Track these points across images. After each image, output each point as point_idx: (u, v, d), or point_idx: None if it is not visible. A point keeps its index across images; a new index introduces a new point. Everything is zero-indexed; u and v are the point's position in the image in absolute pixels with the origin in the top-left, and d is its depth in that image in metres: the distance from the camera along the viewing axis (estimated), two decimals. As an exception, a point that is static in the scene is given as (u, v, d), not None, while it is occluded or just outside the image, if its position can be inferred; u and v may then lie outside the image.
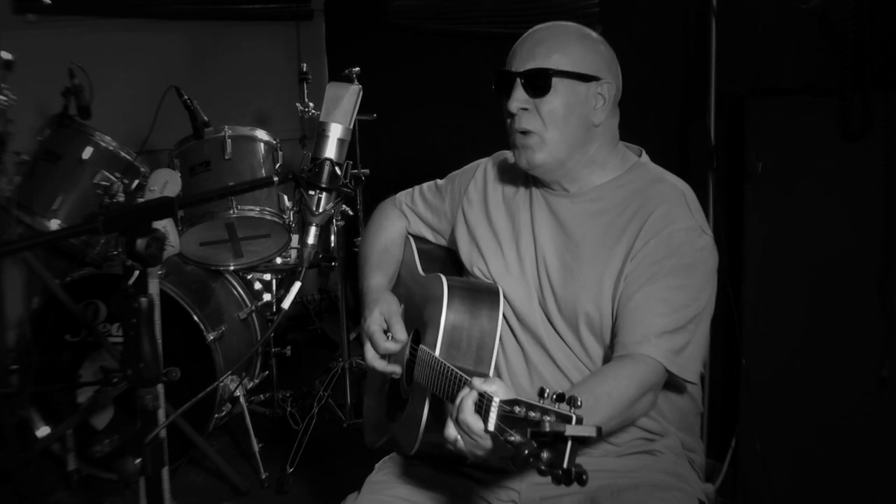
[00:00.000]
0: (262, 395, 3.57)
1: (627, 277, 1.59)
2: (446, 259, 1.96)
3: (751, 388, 2.62)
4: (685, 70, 2.93)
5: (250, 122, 3.44)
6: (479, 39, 3.95)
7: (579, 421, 1.09)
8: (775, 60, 2.53)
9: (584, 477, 1.07)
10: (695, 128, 2.80)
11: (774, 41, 2.54)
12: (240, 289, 3.40)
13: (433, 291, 1.69)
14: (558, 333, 1.67)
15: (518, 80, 1.63)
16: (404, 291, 1.92)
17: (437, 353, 1.59)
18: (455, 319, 1.63)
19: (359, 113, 1.58)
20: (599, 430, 1.09)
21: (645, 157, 1.75)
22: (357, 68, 2.99)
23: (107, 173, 3.07)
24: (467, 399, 1.28)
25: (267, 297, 3.52)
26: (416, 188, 2.02)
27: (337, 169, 1.53)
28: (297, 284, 1.51)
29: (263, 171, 3.20)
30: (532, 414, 1.14)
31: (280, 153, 3.23)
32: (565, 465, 1.07)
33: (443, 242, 1.97)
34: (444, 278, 1.68)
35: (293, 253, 3.33)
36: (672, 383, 1.62)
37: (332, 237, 3.47)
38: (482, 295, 1.69)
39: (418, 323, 1.77)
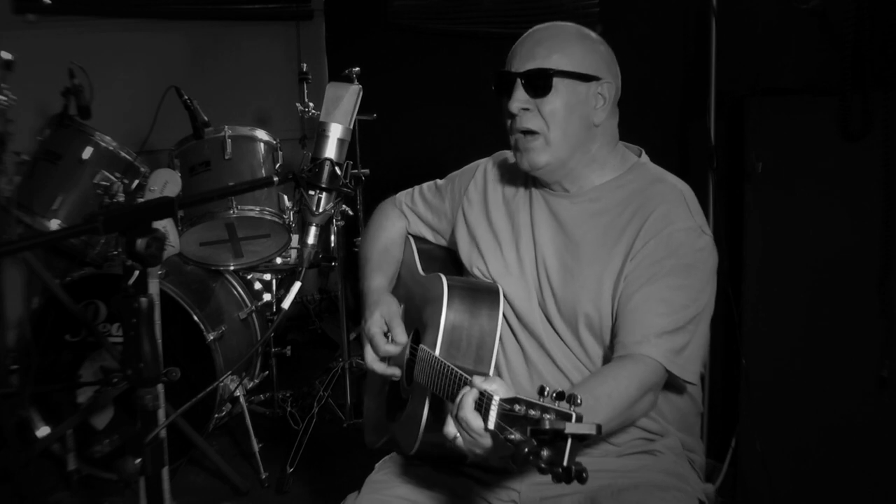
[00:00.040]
0: (262, 395, 3.57)
1: (627, 278, 1.59)
2: (446, 259, 1.96)
3: (751, 388, 2.62)
4: (685, 70, 2.93)
5: (250, 122, 3.44)
6: (479, 39, 3.95)
7: (579, 419, 1.10)
8: (775, 60, 2.53)
9: (584, 475, 1.07)
10: (695, 128, 2.80)
11: (774, 41, 2.54)
12: (240, 289, 3.40)
13: (433, 291, 1.69)
14: (557, 334, 1.67)
15: (518, 80, 1.63)
16: (404, 291, 1.92)
17: (437, 352, 1.59)
18: (455, 319, 1.63)
19: (359, 113, 1.58)
20: (599, 427, 1.09)
21: (645, 158, 1.75)
22: (357, 68, 2.99)
23: (107, 173, 3.07)
24: (467, 397, 1.28)
25: (267, 297, 3.52)
26: (416, 188, 2.02)
27: (337, 169, 1.53)
28: (297, 284, 1.51)
29: (263, 171, 3.20)
30: (532, 412, 1.14)
31: (280, 153, 3.23)
32: (565, 463, 1.07)
33: (442, 243, 1.97)
34: (444, 278, 1.68)
35: (293, 253, 3.33)
36: (672, 383, 1.62)
37: (332, 237, 3.47)
38: (482, 294, 1.69)
39: (418, 323, 1.77)
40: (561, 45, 1.63)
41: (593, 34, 1.70)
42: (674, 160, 2.86)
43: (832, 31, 2.36)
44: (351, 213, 3.58)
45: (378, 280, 1.90)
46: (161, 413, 1.40)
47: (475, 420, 1.26)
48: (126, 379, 1.34)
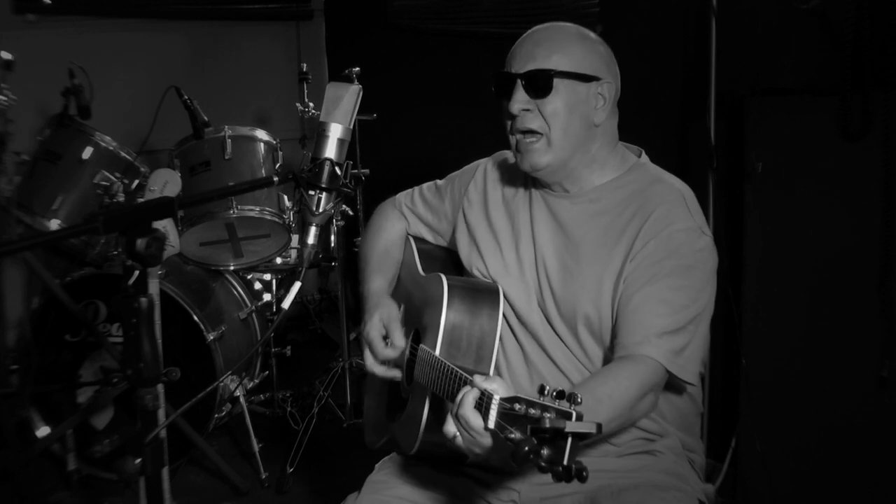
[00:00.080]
0: (262, 395, 3.57)
1: (627, 279, 1.59)
2: (446, 259, 1.96)
3: (751, 388, 2.62)
4: (685, 70, 2.93)
5: (250, 122, 3.44)
6: (479, 39, 3.95)
7: (579, 417, 1.10)
8: (775, 60, 2.53)
9: (584, 473, 1.07)
10: (695, 128, 2.80)
11: (774, 41, 2.54)
12: (240, 289, 3.40)
13: (433, 291, 1.70)
14: (557, 334, 1.67)
15: (519, 81, 1.63)
16: (404, 292, 1.92)
17: (437, 352, 1.59)
18: (455, 319, 1.63)
19: (359, 113, 1.58)
20: (599, 426, 1.09)
21: (644, 158, 1.75)
22: (357, 68, 2.99)
23: (107, 173, 3.07)
24: (468, 395, 1.28)
25: (267, 297, 3.52)
26: (416, 189, 2.02)
27: (337, 169, 1.53)
28: (297, 284, 1.51)
29: (263, 171, 3.20)
30: (532, 411, 1.14)
31: (280, 153, 3.23)
32: (565, 462, 1.07)
33: (442, 243, 1.97)
34: (444, 278, 1.68)
35: (293, 253, 3.33)
36: (672, 384, 1.62)
37: (332, 237, 3.47)
38: (482, 294, 1.69)
39: (419, 323, 1.77)
40: (561, 46, 1.63)
41: (593, 34, 1.70)
42: (674, 160, 2.87)
43: (832, 31, 2.36)
44: (351, 213, 3.58)
45: (378, 283, 1.90)
46: (161, 413, 1.40)
47: (475, 419, 1.26)
48: (126, 379, 1.34)
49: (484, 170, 1.88)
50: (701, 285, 1.59)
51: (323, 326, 4.53)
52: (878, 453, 2.40)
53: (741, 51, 2.63)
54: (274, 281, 3.56)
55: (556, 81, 1.61)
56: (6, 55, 2.71)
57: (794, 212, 2.53)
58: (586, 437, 1.08)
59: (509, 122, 1.67)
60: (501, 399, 1.20)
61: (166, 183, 2.15)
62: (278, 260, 3.36)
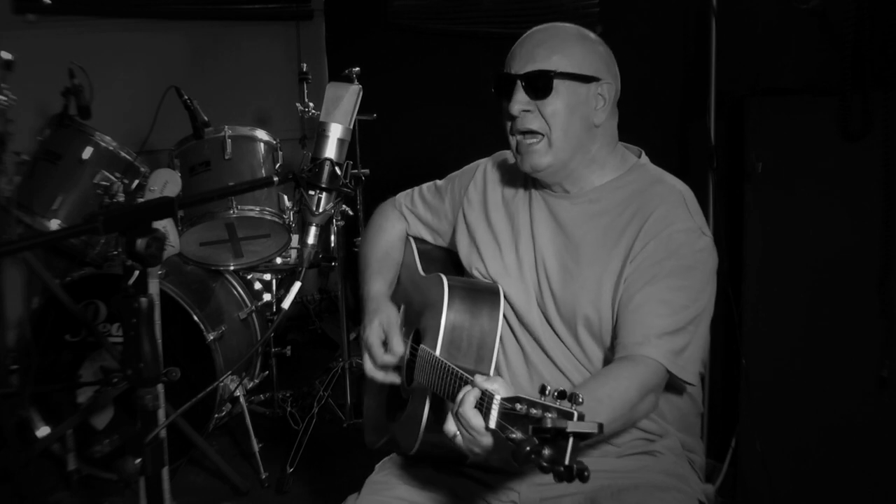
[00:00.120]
0: (262, 395, 3.57)
1: (627, 279, 1.59)
2: (446, 259, 1.96)
3: (751, 388, 2.62)
4: (685, 70, 2.93)
5: (250, 122, 3.44)
6: (479, 39, 3.95)
7: (581, 417, 1.10)
8: (775, 60, 2.53)
9: (585, 473, 1.07)
10: (695, 128, 2.80)
11: (774, 41, 2.54)
12: (240, 289, 3.40)
13: (434, 291, 1.69)
14: (557, 335, 1.67)
15: (519, 82, 1.63)
16: (404, 292, 1.92)
17: (437, 352, 1.59)
18: (456, 319, 1.63)
19: (359, 113, 1.58)
20: (601, 426, 1.09)
21: (644, 158, 1.75)
22: (357, 68, 2.99)
23: (107, 173, 3.07)
24: (469, 395, 1.28)
25: (267, 297, 3.53)
26: (416, 189, 2.02)
27: (337, 169, 1.53)
28: (297, 284, 1.51)
29: (263, 171, 3.20)
30: (533, 411, 1.14)
31: (280, 153, 3.23)
32: (567, 462, 1.07)
33: (442, 244, 1.97)
34: (444, 278, 1.68)
35: (293, 253, 3.33)
36: (672, 384, 1.62)
37: (332, 237, 3.47)
38: (483, 295, 1.69)
39: (419, 323, 1.77)
40: (561, 47, 1.63)
41: (592, 35, 1.70)
42: (674, 160, 2.87)
43: (832, 31, 2.36)
44: (351, 213, 3.58)
45: (378, 286, 1.90)
46: (161, 413, 1.40)
47: (475, 418, 1.26)
48: (126, 379, 1.34)
49: (484, 170, 1.88)
50: (701, 286, 1.59)
51: (323, 326, 4.53)
52: (878, 453, 2.40)
53: (741, 51, 2.63)
54: (274, 281, 3.56)
55: (557, 82, 1.61)
56: (6, 55, 2.71)
57: (794, 212, 2.53)
58: (588, 437, 1.08)
59: (509, 123, 1.67)
60: (502, 399, 1.20)
61: (166, 183, 2.15)
62: (278, 260, 3.36)
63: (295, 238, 3.20)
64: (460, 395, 1.31)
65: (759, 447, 2.59)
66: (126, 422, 2.97)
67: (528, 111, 1.63)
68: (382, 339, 1.77)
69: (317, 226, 1.54)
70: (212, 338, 2.97)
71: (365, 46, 4.41)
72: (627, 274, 1.59)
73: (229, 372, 3.15)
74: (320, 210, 1.53)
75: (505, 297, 1.70)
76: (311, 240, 1.55)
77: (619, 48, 1.72)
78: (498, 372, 1.71)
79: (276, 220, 3.14)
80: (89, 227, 1.30)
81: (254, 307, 3.39)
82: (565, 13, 3.51)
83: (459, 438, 1.32)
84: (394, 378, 1.77)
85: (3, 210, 2.88)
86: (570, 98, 1.62)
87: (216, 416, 3.07)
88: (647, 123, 2.82)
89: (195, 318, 2.97)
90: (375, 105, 3.05)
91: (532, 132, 1.63)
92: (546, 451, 1.09)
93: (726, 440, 2.78)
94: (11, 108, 2.74)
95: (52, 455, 3.03)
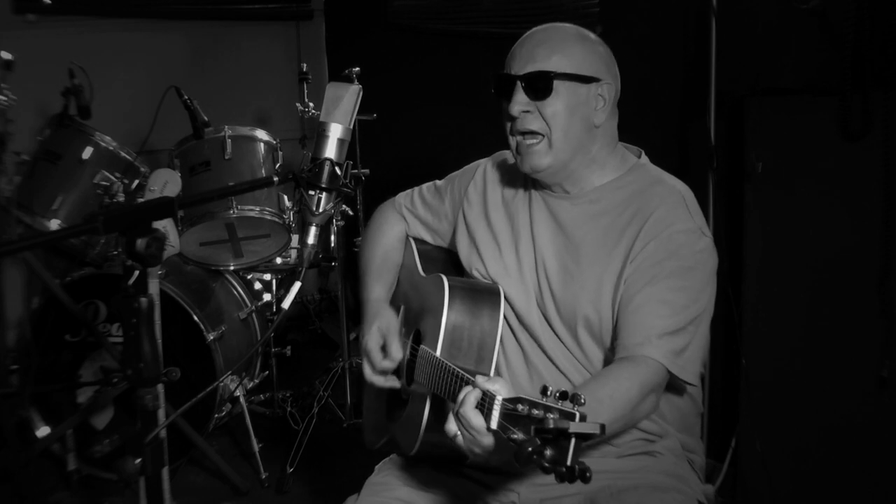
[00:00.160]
0: (262, 395, 3.57)
1: (627, 280, 1.59)
2: (446, 260, 1.96)
3: (751, 388, 2.62)
4: (685, 70, 2.93)
5: (250, 122, 3.44)
6: (479, 39, 3.95)
7: (583, 418, 1.10)
8: (775, 60, 2.53)
9: (587, 474, 1.07)
10: (695, 128, 2.80)
11: (774, 41, 2.54)
12: (240, 289, 3.40)
13: (434, 292, 1.69)
14: (557, 335, 1.67)
15: (518, 83, 1.62)
16: (404, 293, 1.92)
17: (438, 352, 1.59)
18: (456, 319, 1.63)
19: (359, 113, 1.58)
20: (603, 427, 1.09)
21: (644, 159, 1.75)
22: (357, 68, 2.99)
23: (107, 173, 3.07)
24: (470, 395, 1.29)
25: (267, 297, 3.53)
26: (416, 190, 2.02)
27: (337, 169, 1.53)
28: (297, 284, 1.51)
29: (263, 171, 3.20)
30: (535, 411, 1.14)
31: (280, 153, 3.23)
32: (569, 462, 1.08)
33: (442, 244, 1.97)
34: (445, 278, 1.68)
35: (293, 253, 3.33)
36: (672, 384, 1.62)
37: (332, 237, 3.47)
38: (483, 295, 1.69)
39: (419, 323, 1.77)
40: (561, 47, 1.63)
41: (592, 35, 1.70)
42: (674, 160, 2.87)
43: (832, 31, 2.36)
44: (351, 213, 3.58)
45: (377, 291, 1.90)
46: (161, 413, 1.40)
47: (476, 418, 1.26)
48: (126, 379, 1.34)
49: (483, 170, 1.88)
50: (701, 286, 1.59)
51: (323, 326, 4.53)
52: (878, 453, 2.40)
53: (741, 51, 2.63)
54: (274, 281, 3.56)
55: (556, 83, 1.60)
56: (6, 55, 2.71)
57: (794, 212, 2.53)
58: (590, 438, 1.08)
59: (509, 124, 1.67)
60: (504, 400, 1.20)
61: (166, 183, 2.15)
62: (278, 260, 3.36)
63: (295, 238, 3.20)
64: (461, 396, 1.31)
65: (759, 447, 2.59)
66: (126, 422, 2.97)
67: (527, 112, 1.63)
68: (381, 345, 1.76)
69: (317, 226, 1.54)
70: (212, 338, 2.97)
71: (365, 46, 4.41)
72: (627, 274, 1.59)
73: (229, 372, 3.15)
74: (320, 210, 1.53)
75: (505, 297, 1.70)
76: (311, 240, 1.55)
77: (619, 48, 1.72)
78: (498, 372, 1.71)
79: (276, 220, 3.14)
80: (89, 227, 1.30)
81: (254, 307, 3.39)
82: (565, 13, 3.51)
83: (460, 438, 1.32)
84: (393, 383, 1.77)
85: (3, 210, 2.88)
86: (570, 99, 1.62)
87: (216, 416, 3.07)
88: (647, 123, 2.82)
89: (195, 318, 2.97)
90: (375, 105, 3.05)
91: (532, 133, 1.63)
92: (548, 452, 1.09)
93: (726, 440, 2.78)
94: (11, 108, 2.75)
95: (52, 455, 3.03)
